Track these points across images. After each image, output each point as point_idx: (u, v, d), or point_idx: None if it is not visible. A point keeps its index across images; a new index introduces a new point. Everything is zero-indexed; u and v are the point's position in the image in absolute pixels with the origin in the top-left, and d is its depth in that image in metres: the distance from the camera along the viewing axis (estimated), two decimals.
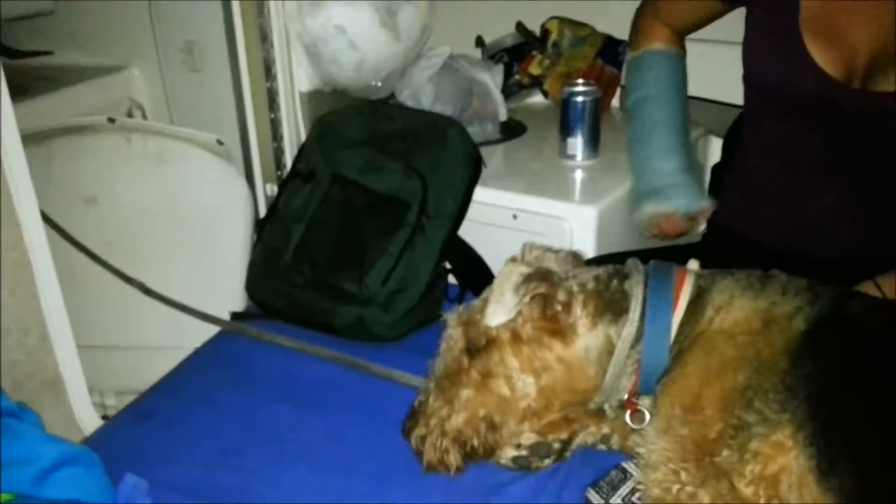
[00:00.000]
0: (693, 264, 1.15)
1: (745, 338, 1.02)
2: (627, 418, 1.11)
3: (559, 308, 1.10)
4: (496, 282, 1.12)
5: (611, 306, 1.11)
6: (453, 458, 1.12)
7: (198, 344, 1.55)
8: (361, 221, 1.59)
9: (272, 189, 2.00)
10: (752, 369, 1.00)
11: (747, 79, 1.36)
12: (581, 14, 2.16)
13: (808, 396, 0.95)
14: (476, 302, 1.20)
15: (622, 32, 1.90)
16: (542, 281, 1.09)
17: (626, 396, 1.12)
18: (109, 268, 1.50)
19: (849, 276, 1.25)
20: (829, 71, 1.21)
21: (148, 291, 1.54)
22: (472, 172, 1.61)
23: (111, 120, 1.75)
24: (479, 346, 1.15)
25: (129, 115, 2.30)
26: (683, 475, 0.98)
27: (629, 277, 1.12)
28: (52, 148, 1.59)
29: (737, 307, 1.06)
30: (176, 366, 1.47)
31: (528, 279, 1.08)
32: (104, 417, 1.54)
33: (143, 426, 1.30)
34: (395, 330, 1.56)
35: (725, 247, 1.44)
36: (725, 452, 0.98)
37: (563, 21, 2.14)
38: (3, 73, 1.17)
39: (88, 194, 1.59)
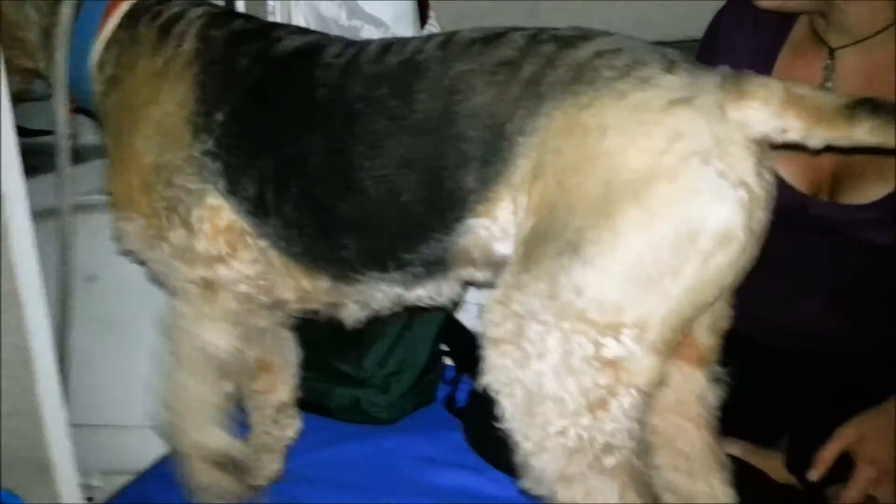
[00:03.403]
0: None
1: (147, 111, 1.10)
2: None
3: None
4: None
5: None
6: None
7: None
8: None
9: None
10: (160, 147, 1.10)
11: None
12: None
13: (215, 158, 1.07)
14: None
15: None
16: None
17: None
18: None
19: (841, 375, 1.27)
20: (795, 184, 1.24)
21: None
22: None
23: None
24: None
25: None
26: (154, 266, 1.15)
27: None
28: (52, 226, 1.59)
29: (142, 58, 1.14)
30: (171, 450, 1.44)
31: None
32: (89, 499, 1.50)
33: None
34: (391, 412, 1.56)
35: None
36: (173, 234, 1.10)
37: None
38: (19, 153, 1.18)
39: (89, 272, 1.58)
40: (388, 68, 0.99)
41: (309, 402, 1.55)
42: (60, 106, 1.18)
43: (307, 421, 1.53)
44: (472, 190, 0.94)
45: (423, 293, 1.08)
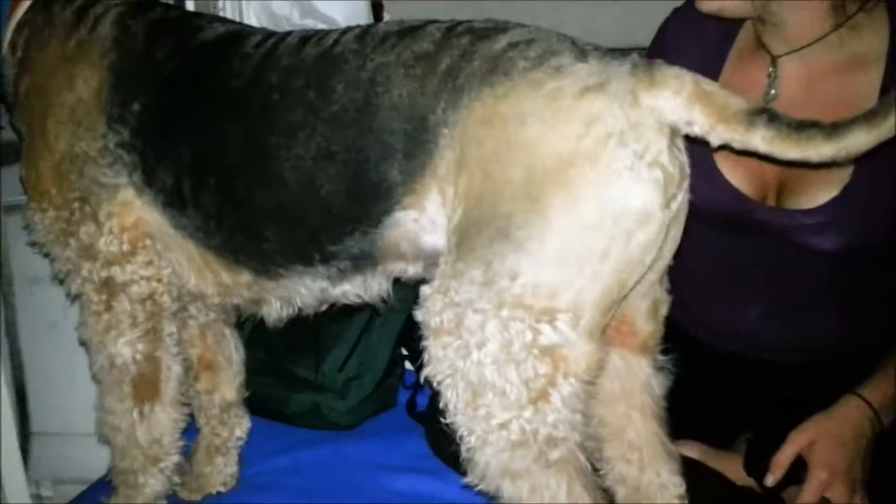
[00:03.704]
0: None
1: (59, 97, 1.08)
2: None
3: None
4: None
5: None
6: None
7: None
8: None
9: None
10: (73, 135, 1.08)
11: None
12: None
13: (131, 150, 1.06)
14: None
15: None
16: None
17: None
18: None
19: (792, 378, 1.27)
20: (742, 189, 1.25)
21: None
22: None
23: None
24: None
25: None
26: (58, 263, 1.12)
27: None
28: None
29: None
30: None
31: None
32: None
33: None
34: (351, 418, 1.53)
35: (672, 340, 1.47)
36: (82, 228, 1.08)
37: None
38: None
39: (31, 273, 1.55)
40: (306, 60, 0.99)
41: (266, 409, 1.53)
42: None
43: (264, 428, 1.51)
44: (398, 182, 0.94)
45: (350, 289, 1.07)
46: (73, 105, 1.07)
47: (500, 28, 0.94)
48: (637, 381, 1.05)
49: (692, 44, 1.33)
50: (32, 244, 1.18)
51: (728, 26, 1.31)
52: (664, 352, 1.08)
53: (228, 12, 1.56)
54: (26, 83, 1.13)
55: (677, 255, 1.44)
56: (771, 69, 1.24)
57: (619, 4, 1.90)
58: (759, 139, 0.85)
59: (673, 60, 1.33)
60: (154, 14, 1.11)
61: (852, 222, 1.17)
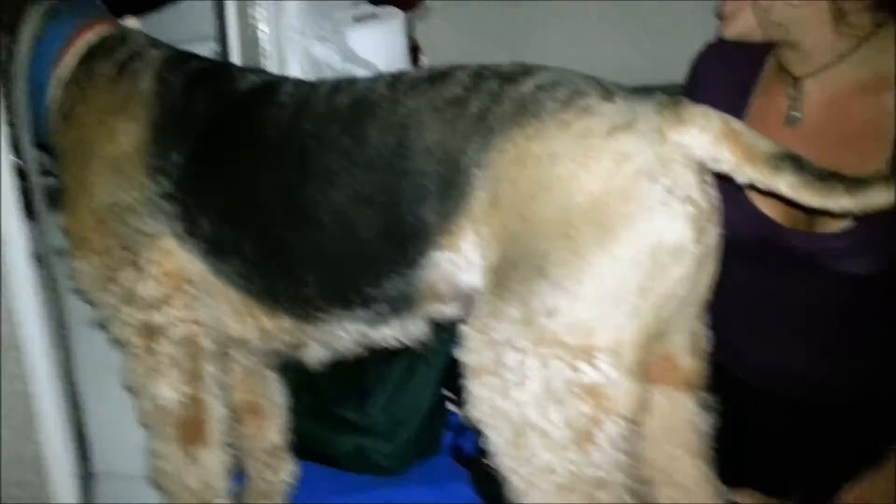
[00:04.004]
0: (131, 21, 1.26)
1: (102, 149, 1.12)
2: None
3: None
4: None
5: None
6: None
7: None
8: None
9: None
10: (115, 186, 1.11)
11: None
12: None
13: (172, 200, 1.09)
14: None
15: None
16: None
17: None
18: None
19: (840, 421, 1.25)
20: (771, 214, 1.23)
21: None
22: None
23: None
24: None
25: None
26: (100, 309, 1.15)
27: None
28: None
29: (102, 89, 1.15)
30: None
31: None
32: None
33: None
34: (396, 460, 1.52)
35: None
36: (123, 275, 1.11)
37: None
38: (20, 198, 1.20)
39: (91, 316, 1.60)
40: (339, 107, 1.02)
41: (312, 451, 1.53)
42: (26, 146, 1.19)
43: (310, 470, 1.51)
44: (433, 223, 0.95)
45: (389, 332, 1.08)
46: (114, 157, 1.11)
47: (526, 71, 0.96)
48: (682, 419, 1.03)
49: (723, 76, 1.35)
50: (76, 291, 1.21)
51: (756, 54, 1.32)
52: (709, 393, 1.06)
53: (273, 58, 1.61)
54: (70, 136, 1.18)
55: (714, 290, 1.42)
56: (792, 91, 1.24)
57: (653, 41, 1.92)
58: (784, 184, 0.87)
59: (706, 93, 1.35)
60: (191, 67, 1.16)
61: (881, 243, 1.16)
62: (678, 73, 1.52)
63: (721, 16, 1.29)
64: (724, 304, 1.39)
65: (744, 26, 1.23)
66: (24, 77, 1.17)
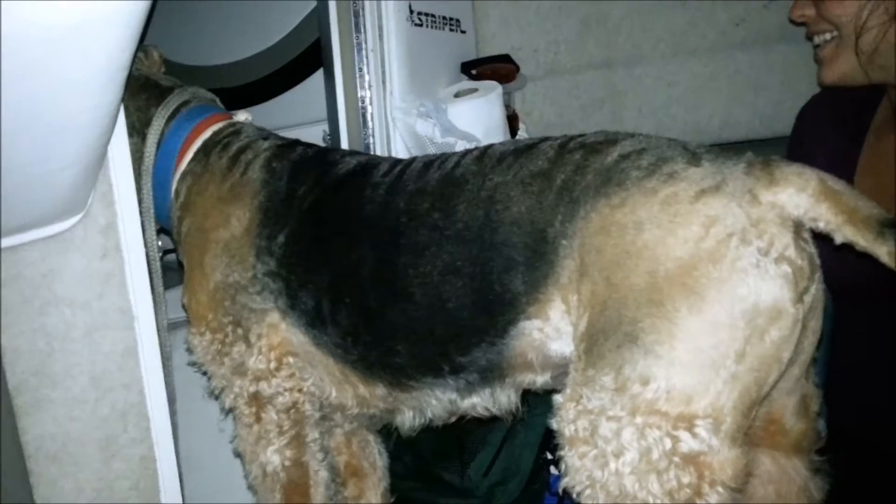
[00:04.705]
0: (242, 115, 1.33)
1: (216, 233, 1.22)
2: None
3: None
4: None
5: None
6: None
7: None
8: None
9: None
10: (227, 267, 1.18)
11: None
12: None
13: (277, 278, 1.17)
14: None
15: None
16: None
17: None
18: None
19: None
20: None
21: None
22: None
23: None
24: None
25: None
26: (214, 381, 1.23)
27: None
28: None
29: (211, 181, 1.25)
30: None
31: None
32: None
33: None
34: None
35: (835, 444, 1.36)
36: (235, 349, 1.19)
37: None
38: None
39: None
40: (430, 183, 1.08)
41: None
42: (151, 235, 1.32)
43: None
44: (522, 293, 0.97)
45: (479, 401, 1.11)
46: (227, 240, 1.21)
47: (610, 140, 0.98)
48: (793, 485, 0.99)
49: (829, 129, 1.31)
50: (192, 364, 1.31)
51: (864, 107, 1.27)
52: (821, 453, 1.02)
53: (377, 137, 1.71)
54: (188, 223, 1.29)
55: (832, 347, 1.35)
56: None
57: (756, 95, 1.88)
58: (885, 253, 0.84)
59: (812, 148, 1.31)
60: (295, 154, 1.26)
61: None
62: (783, 125, 1.49)
63: (819, 61, 1.27)
64: (845, 359, 1.33)
65: (843, 70, 1.20)
66: (149, 174, 1.31)
